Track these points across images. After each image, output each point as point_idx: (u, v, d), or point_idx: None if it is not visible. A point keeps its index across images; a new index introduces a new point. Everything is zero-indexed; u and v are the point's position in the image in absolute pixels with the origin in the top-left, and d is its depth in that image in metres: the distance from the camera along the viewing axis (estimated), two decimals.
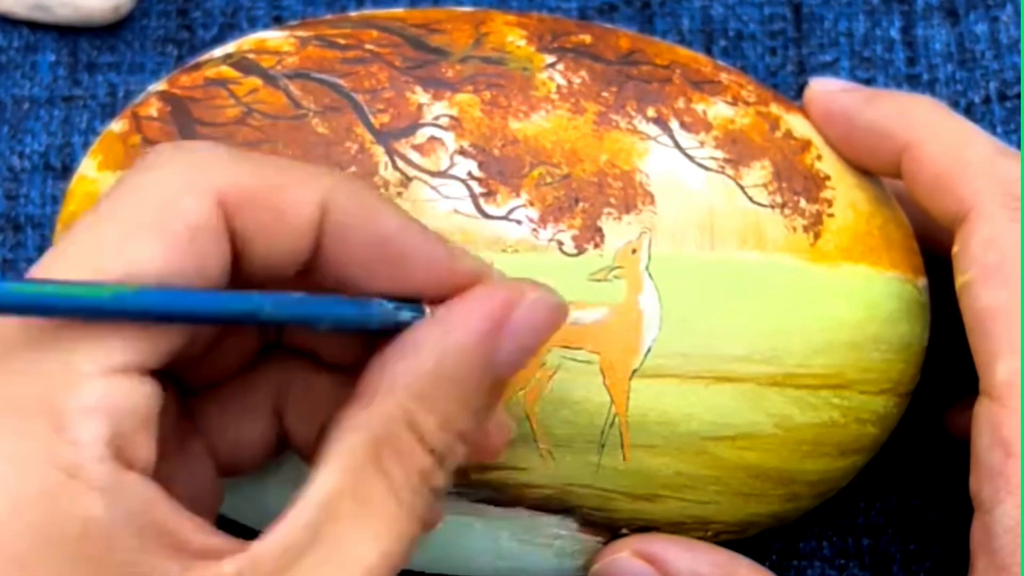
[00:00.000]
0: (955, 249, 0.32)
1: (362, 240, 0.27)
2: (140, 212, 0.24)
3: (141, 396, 0.24)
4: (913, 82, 0.44)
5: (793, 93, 0.43)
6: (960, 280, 0.32)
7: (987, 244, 0.32)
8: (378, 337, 0.27)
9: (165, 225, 0.24)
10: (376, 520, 0.25)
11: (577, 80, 0.35)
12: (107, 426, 0.23)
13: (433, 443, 0.26)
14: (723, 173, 0.34)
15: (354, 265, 0.27)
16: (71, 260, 0.24)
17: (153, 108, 0.35)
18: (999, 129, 0.43)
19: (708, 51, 0.44)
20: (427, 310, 0.27)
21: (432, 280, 0.27)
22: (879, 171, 0.35)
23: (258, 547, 0.24)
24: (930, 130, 0.34)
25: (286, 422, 0.30)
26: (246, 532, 0.38)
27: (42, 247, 0.41)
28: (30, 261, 0.41)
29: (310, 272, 0.27)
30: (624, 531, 0.35)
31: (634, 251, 0.33)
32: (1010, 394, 0.30)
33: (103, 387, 0.23)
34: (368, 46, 0.35)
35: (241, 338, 0.29)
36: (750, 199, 0.34)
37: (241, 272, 0.26)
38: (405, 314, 0.27)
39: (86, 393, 0.23)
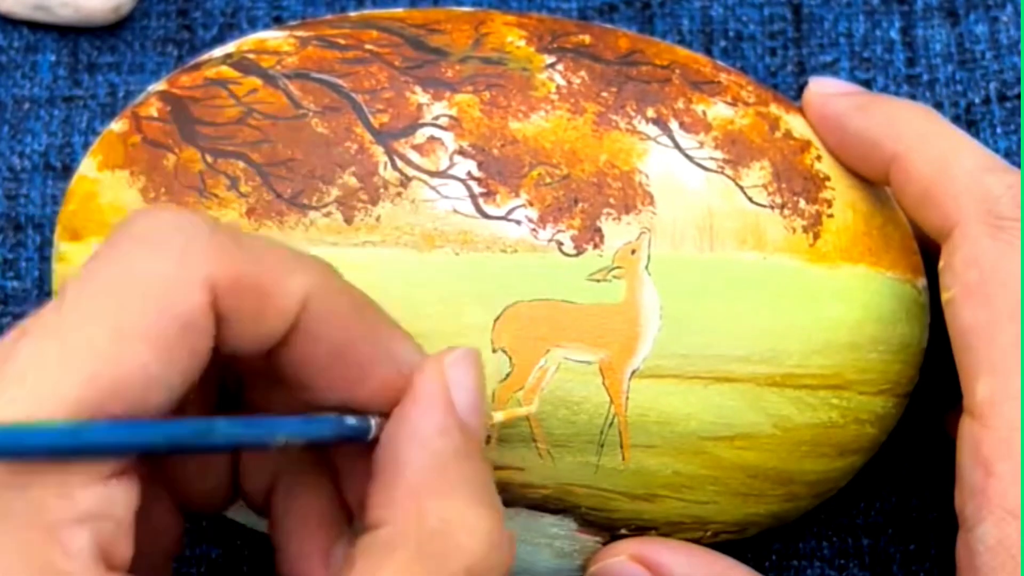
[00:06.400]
0: (941, 264, 0.33)
1: (326, 347, 0.27)
2: (134, 308, 0.24)
3: (125, 500, 0.25)
4: (913, 83, 0.44)
5: (793, 93, 0.43)
6: (944, 296, 0.32)
7: (968, 263, 0.32)
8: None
9: (158, 327, 0.24)
10: None
11: (577, 80, 0.35)
12: (96, 533, 0.24)
13: (466, 529, 0.27)
14: (722, 173, 0.34)
15: (312, 365, 0.27)
16: (66, 359, 0.24)
17: (153, 108, 0.35)
18: (999, 129, 0.43)
19: (708, 51, 0.44)
20: (372, 422, 0.28)
21: (379, 391, 0.28)
22: (871, 178, 0.35)
23: None
24: (919, 141, 0.34)
25: (239, 473, 0.31)
26: (246, 532, 0.38)
27: (42, 247, 0.41)
28: (30, 261, 0.41)
29: (270, 356, 0.27)
30: (623, 531, 0.35)
31: (633, 251, 0.33)
32: (990, 413, 0.31)
33: (93, 497, 0.24)
34: (368, 46, 0.35)
35: (202, 396, 0.30)
36: (749, 199, 0.34)
37: (215, 348, 0.26)
38: (351, 427, 0.28)
39: (79, 503, 0.24)
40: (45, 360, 0.24)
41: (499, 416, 0.32)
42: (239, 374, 0.30)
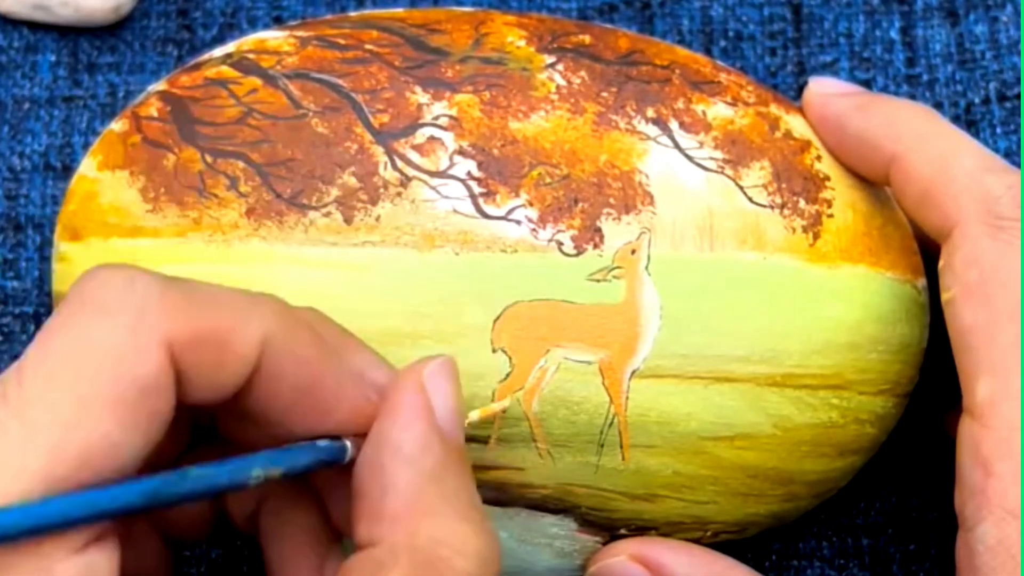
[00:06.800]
0: (941, 264, 0.33)
1: (291, 385, 0.27)
2: (93, 376, 0.25)
3: (106, 564, 0.25)
4: (913, 83, 0.44)
5: (793, 93, 0.43)
6: (944, 297, 0.32)
7: (968, 263, 0.32)
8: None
9: (117, 394, 0.25)
10: None
11: (577, 80, 0.35)
12: None
13: (456, 547, 0.27)
14: (722, 173, 0.34)
15: (278, 402, 0.27)
16: (29, 432, 0.24)
17: (153, 108, 0.35)
18: (999, 129, 0.43)
19: (708, 51, 0.44)
20: (348, 443, 0.28)
21: (349, 419, 0.28)
22: (871, 179, 0.35)
23: None
24: (918, 141, 0.34)
25: (224, 500, 0.31)
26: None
27: (42, 247, 0.41)
28: (30, 261, 0.41)
29: (236, 398, 0.27)
30: (623, 531, 0.35)
31: (633, 251, 0.33)
32: (989, 413, 0.31)
33: (72, 569, 0.24)
34: (368, 46, 0.35)
35: (173, 436, 0.29)
36: (749, 199, 0.34)
37: (177, 401, 0.26)
38: (326, 451, 0.28)
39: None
40: (7, 435, 0.24)
41: (475, 415, 0.32)
42: (210, 410, 0.30)
